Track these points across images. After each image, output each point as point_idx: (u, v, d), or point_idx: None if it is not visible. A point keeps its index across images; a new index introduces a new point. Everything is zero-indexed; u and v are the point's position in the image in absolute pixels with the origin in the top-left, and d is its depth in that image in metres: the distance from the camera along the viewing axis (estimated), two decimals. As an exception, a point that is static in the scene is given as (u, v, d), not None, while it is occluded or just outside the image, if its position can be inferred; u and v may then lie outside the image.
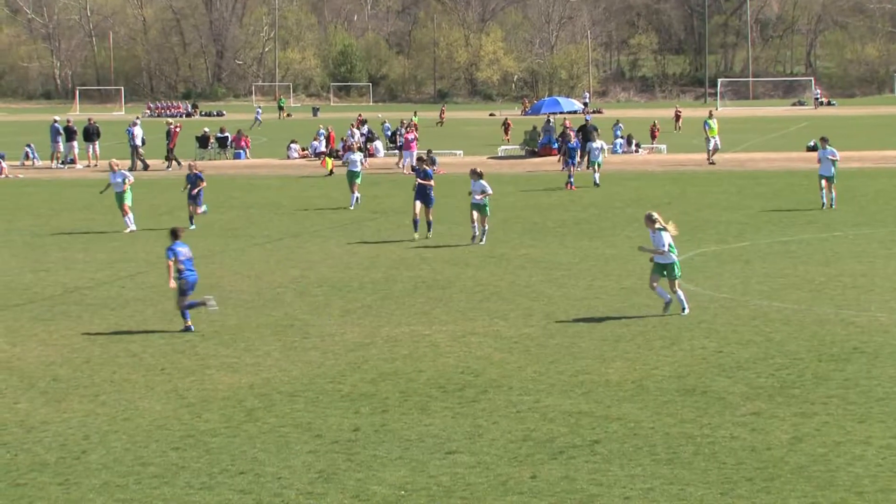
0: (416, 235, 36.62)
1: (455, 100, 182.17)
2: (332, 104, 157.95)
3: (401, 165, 63.43)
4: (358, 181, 46.12)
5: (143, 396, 19.07)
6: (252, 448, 16.26)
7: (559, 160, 60.25)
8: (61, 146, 70.49)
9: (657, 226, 24.55)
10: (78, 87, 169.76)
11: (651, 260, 24.90)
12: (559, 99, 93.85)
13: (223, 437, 16.83)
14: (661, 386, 19.12)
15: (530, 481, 14.69)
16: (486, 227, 35.68)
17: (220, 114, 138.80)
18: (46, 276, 30.90)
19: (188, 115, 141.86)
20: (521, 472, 15.06)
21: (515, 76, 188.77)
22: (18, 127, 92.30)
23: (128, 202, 39.84)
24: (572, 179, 52.29)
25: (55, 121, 72.19)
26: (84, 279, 30.34)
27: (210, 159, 72.03)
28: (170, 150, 66.96)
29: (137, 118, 71.15)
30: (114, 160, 41.39)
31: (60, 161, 69.37)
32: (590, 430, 16.79)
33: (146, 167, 64.56)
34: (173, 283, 24.30)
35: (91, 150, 68.83)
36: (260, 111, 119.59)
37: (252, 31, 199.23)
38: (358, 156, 46.77)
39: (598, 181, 52.75)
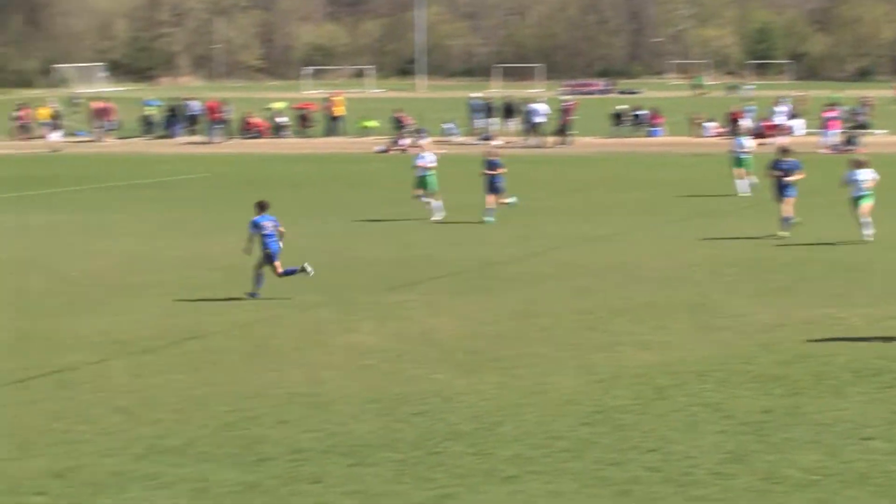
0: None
1: (878, 77, 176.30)
2: (748, 82, 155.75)
3: (820, 144, 61.86)
4: (743, 168, 43.29)
5: (554, 371, 19.32)
6: (662, 426, 16.24)
7: None
8: (480, 122, 72.12)
9: None
10: (497, 65, 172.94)
11: None
12: None
13: (633, 414, 16.87)
14: None
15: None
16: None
17: (635, 91, 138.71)
18: (462, 249, 31.67)
19: (604, 92, 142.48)
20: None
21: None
22: (439, 104, 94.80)
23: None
24: None
25: (474, 98, 73.87)
26: (498, 254, 30.95)
27: (624, 136, 72.25)
28: (563, 127, 67.50)
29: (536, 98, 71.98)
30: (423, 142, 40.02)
31: (479, 137, 70.98)
32: None
33: (544, 145, 65.62)
34: (251, 251, 25.26)
35: (507, 126, 70.23)
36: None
37: (670, 8, 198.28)
38: (746, 140, 44.78)
39: None
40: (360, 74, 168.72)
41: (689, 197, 43.14)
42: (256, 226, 25.41)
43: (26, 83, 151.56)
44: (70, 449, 15.41)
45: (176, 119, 77.17)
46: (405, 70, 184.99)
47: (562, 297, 25.30)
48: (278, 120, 76.85)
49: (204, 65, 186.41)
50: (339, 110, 75.51)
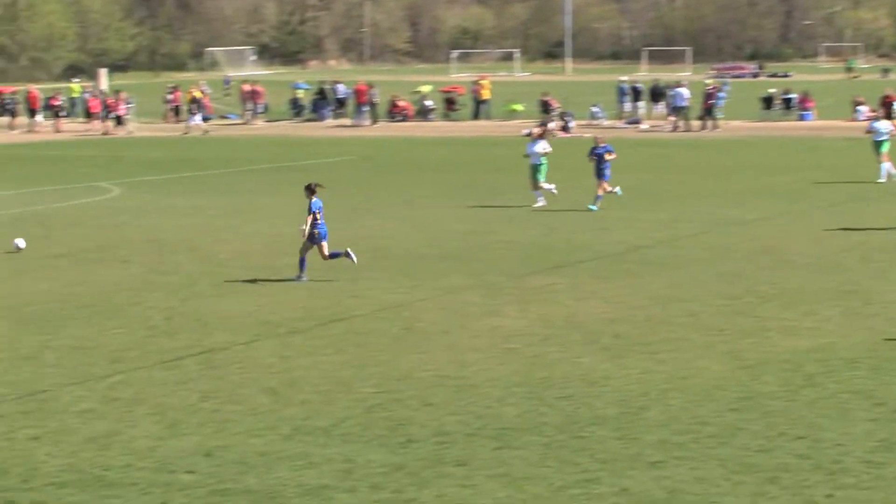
0: None
1: None
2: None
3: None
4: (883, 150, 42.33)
5: (701, 356, 19.14)
6: (811, 413, 16.02)
7: None
8: (627, 106, 71.76)
9: None
10: (645, 48, 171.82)
11: None
12: None
13: (781, 400, 16.66)
14: None
15: None
16: None
17: (786, 75, 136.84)
18: (608, 233, 31.52)
19: (754, 75, 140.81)
20: None
21: None
22: (586, 87, 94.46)
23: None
24: None
25: (621, 81, 73.47)
26: (645, 238, 30.75)
27: (774, 120, 71.33)
28: (707, 111, 66.78)
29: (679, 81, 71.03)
30: (535, 129, 38.95)
31: (626, 121, 70.58)
32: None
33: (689, 129, 65.09)
34: (306, 232, 25.20)
35: (656, 110, 69.80)
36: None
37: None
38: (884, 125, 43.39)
39: None
40: (506, 58, 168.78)
41: (840, 182, 42.45)
42: (313, 210, 25.46)
43: (179, 66, 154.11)
44: (219, 428, 15.63)
45: (324, 102, 77.87)
46: (552, 53, 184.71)
47: (709, 281, 25.06)
48: (425, 103, 77.15)
49: (352, 48, 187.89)
50: (485, 94, 75.55)
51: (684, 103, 66.40)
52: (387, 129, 70.96)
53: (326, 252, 25.66)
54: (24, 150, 60.98)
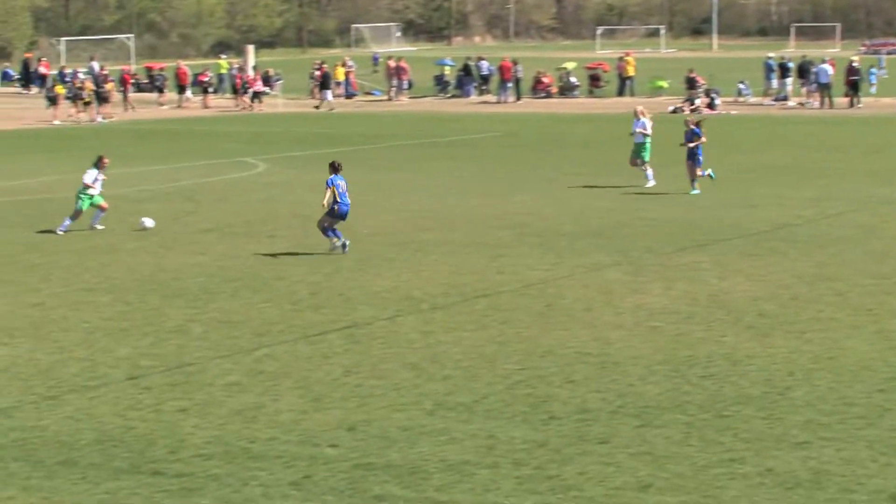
0: None
1: None
2: None
3: None
4: None
5: (849, 336, 18.86)
6: (961, 396, 15.71)
7: None
8: (774, 83, 70.82)
9: None
10: (793, 24, 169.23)
11: None
12: None
13: (931, 382, 16.36)
14: None
15: None
16: None
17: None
18: (754, 211, 31.16)
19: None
20: None
21: None
22: (732, 63, 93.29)
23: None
24: None
25: (769, 57, 72.51)
26: (791, 216, 30.35)
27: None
28: (851, 87, 65.39)
29: (826, 59, 69.63)
30: (639, 107, 38.44)
31: (773, 98, 69.67)
32: None
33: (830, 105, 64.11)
34: (326, 205, 25.78)
35: (802, 88, 68.86)
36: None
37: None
38: None
39: None
40: (652, 34, 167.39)
41: None
42: (331, 184, 26.01)
43: (325, 43, 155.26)
44: (362, 403, 15.75)
45: (468, 79, 77.94)
46: (698, 30, 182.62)
47: (858, 260, 24.67)
48: (570, 80, 76.86)
49: (497, 24, 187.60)
50: (630, 70, 75.06)
51: (827, 80, 65.29)
52: (531, 105, 70.84)
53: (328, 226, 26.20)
54: (172, 125, 61.95)
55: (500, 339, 18.90)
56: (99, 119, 63.29)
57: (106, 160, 29.33)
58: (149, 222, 29.32)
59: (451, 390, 16.23)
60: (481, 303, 21.46)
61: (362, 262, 25.10)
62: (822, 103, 65.76)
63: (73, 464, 13.68)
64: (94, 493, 12.87)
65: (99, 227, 29.15)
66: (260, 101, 70.08)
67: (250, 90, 70.58)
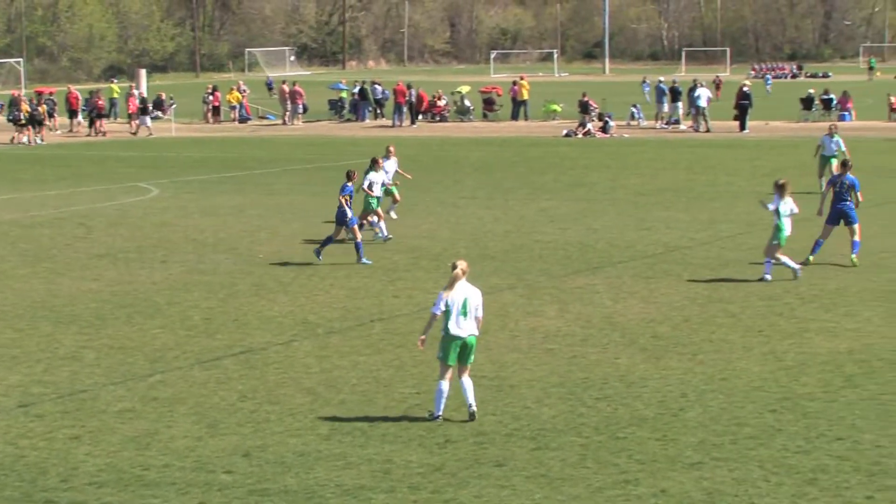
0: None
1: None
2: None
3: None
4: None
5: (741, 357, 19.09)
6: (850, 414, 15.96)
7: None
8: (666, 107, 71.54)
9: None
10: (684, 48, 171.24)
11: None
12: None
13: (820, 401, 16.60)
14: None
15: None
16: None
17: (825, 75, 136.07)
18: (648, 234, 31.43)
19: (793, 76, 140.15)
20: None
21: None
22: (625, 87, 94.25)
23: None
24: None
25: (660, 81, 73.28)
26: (685, 238, 30.66)
27: (814, 121, 70.97)
28: (740, 111, 66.33)
29: (696, 81, 70.41)
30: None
31: (665, 121, 70.37)
32: None
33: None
34: (350, 213, 27.30)
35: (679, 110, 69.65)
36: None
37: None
38: None
39: None
40: (545, 58, 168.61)
41: (885, 180, 42.18)
42: (343, 191, 27.69)
43: (218, 67, 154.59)
44: (257, 428, 15.67)
45: (364, 103, 77.95)
46: (590, 54, 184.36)
47: (749, 282, 24.96)
48: (464, 103, 77.11)
49: (391, 48, 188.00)
50: (524, 94, 75.47)
51: (704, 103, 66.10)
52: (426, 129, 70.98)
53: (359, 237, 27.54)
54: (64, 150, 61.29)
55: (396, 363, 18.90)
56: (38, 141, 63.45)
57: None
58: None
59: (347, 415, 16.20)
60: (377, 327, 21.45)
61: (258, 287, 24.99)
62: (697, 126, 66.46)
63: (-36, 493, 13.47)
64: (-16, 523, 12.68)
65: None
66: (145, 125, 69.27)
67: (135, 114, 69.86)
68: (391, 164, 33.14)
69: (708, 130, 65.30)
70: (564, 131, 65.60)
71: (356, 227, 27.91)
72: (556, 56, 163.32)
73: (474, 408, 15.84)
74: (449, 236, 31.27)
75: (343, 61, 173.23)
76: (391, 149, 33.37)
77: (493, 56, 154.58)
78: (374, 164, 30.42)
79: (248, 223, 34.06)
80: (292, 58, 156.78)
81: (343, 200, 27.56)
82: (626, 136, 64.65)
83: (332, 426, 15.70)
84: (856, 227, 26.60)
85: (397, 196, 33.39)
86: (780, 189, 25.08)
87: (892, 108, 71.60)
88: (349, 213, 27.62)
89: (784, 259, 24.90)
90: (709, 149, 56.08)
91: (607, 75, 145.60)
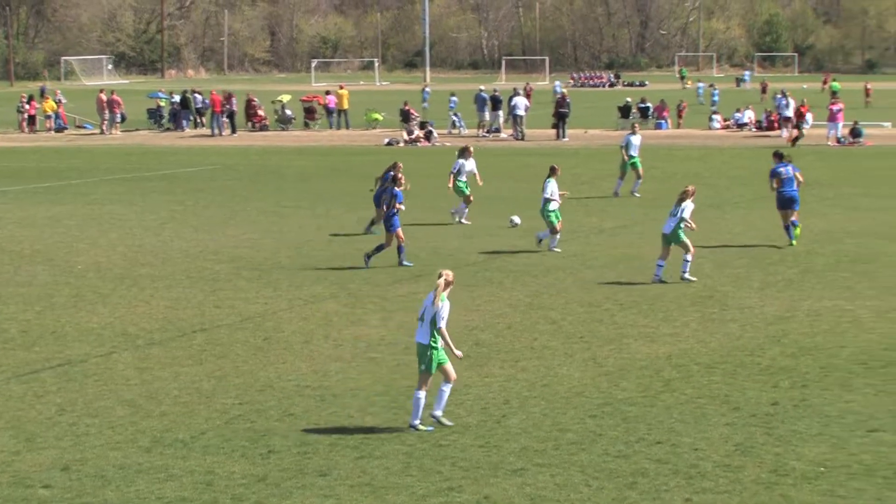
0: None
1: (884, 70, 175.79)
2: (756, 74, 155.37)
3: (827, 137, 61.75)
4: None
5: (562, 363, 19.31)
6: (669, 418, 16.24)
7: None
8: (487, 115, 72.05)
9: None
10: (504, 57, 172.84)
11: None
12: None
13: (640, 406, 16.87)
14: None
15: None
16: None
17: (642, 84, 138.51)
18: (470, 242, 31.62)
19: (611, 85, 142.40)
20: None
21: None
22: (447, 96, 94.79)
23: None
24: None
25: (480, 90, 73.80)
26: (506, 246, 30.90)
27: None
28: (558, 118, 67.31)
29: (516, 89, 71.34)
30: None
31: (486, 130, 70.87)
32: None
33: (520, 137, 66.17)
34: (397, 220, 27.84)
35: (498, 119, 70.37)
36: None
37: (677, 1, 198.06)
38: None
39: None
40: (367, 67, 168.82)
41: (700, 187, 42.96)
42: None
43: (33, 76, 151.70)
44: (76, 441, 15.41)
45: (185, 112, 77.15)
46: (411, 63, 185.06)
47: (570, 289, 25.28)
48: (285, 112, 76.79)
49: (211, 57, 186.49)
50: (344, 103, 75.40)
51: (521, 112, 66.90)
52: (246, 138, 70.52)
53: (402, 240, 28.09)
54: None
55: (218, 374, 18.75)
56: None
57: None
58: (517, 219, 32.18)
59: (168, 427, 16.01)
60: (199, 337, 21.25)
61: (76, 299, 24.57)
62: (517, 134, 67.13)
63: None
64: None
65: None
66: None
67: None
68: (470, 164, 35.61)
69: (522, 138, 65.96)
70: (386, 140, 65.71)
71: (399, 231, 28.08)
72: (377, 65, 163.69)
73: (416, 422, 15.85)
74: (272, 245, 31.10)
75: (162, 70, 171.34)
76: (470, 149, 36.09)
77: (314, 65, 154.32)
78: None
79: (65, 234, 33.47)
80: (110, 66, 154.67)
81: (394, 206, 27.88)
82: (447, 144, 64.99)
83: (153, 438, 15.52)
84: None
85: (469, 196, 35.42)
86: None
87: (679, 113, 74.23)
88: (397, 222, 28.02)
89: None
90: (530, 157, 56.60)
91: (429, 84, 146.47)
